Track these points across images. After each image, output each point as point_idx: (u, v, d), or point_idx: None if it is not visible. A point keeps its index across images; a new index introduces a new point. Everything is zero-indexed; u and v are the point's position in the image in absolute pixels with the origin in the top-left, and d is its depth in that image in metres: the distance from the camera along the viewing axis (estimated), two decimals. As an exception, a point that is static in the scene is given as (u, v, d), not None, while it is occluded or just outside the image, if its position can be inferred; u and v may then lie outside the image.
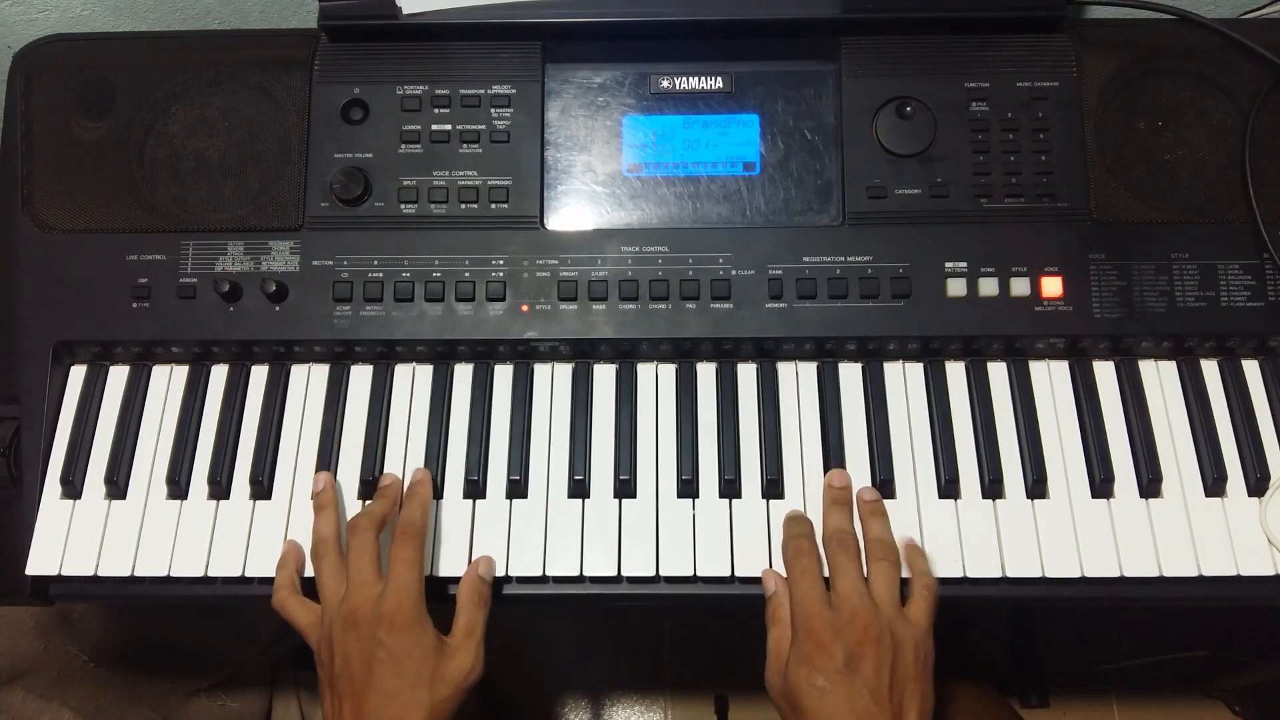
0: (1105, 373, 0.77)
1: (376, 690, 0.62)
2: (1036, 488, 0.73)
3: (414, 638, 0.64)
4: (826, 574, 0.68)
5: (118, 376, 0.78)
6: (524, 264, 0.76)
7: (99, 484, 0.75)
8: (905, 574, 0.69)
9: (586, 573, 0.72)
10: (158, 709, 1.11)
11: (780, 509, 0.73)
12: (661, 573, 0.72)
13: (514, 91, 0.79)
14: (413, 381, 0.78)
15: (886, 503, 0.73)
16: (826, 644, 0.63)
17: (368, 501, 0.75)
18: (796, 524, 0.70)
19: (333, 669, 0.65)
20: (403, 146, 0.78)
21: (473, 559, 0.72)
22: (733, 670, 1.35)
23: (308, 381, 0.78)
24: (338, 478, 0.75)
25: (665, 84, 0.79)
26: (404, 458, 0.76)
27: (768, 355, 0.77)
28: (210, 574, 0.73)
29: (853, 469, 0.74)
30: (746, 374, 0.77)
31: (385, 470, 0.75)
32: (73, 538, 0.74)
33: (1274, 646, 1.23)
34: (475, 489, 0.74)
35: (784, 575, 0.69)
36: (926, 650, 0.66)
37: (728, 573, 0.71)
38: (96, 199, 0.78)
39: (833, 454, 0.74)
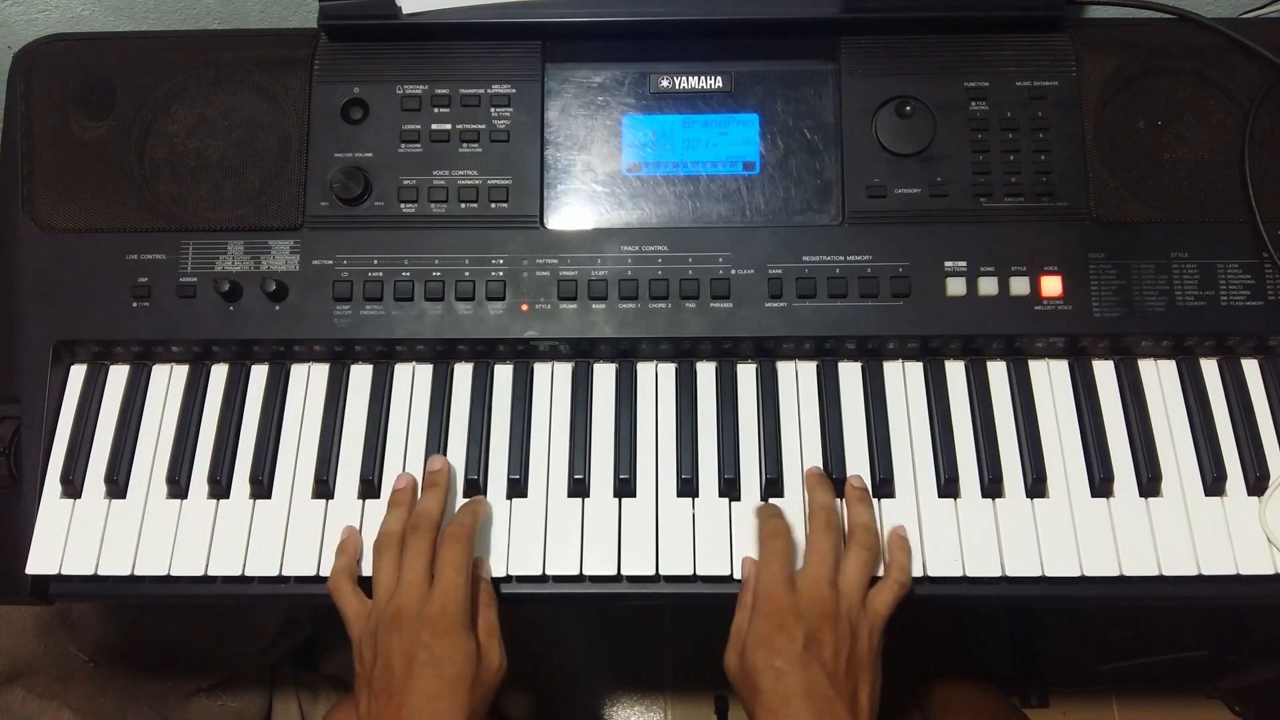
0: (1105, 372, 0.77)
1: (417, 691, 0.63)
2: (1036, 487, 0.73)
3: (457, 642, 0.64)
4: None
5: (118, 376, 0.78)
6: (524, 263, 0.76)
7: (99, 483, 0.75)
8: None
9: (586, 572, 0.72)
10: (158, 709, 1.11)
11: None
12: (661, 572, 0.72)
13: (514, 91, 0.79)
14: (413, 381, 0.78)
15: (886, 502, 0.73)
16: (788, 626, 0.63)
17: (368, 501, 0.75)
18: (774, 509, 0.71)
19: (373, 667, 0.65)
20: (403, 146, 0.78)
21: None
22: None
23: (308, 381, 0.78)
24: (337, 477, 0.75)
25: (665, 83, 0.79)
26: (404, 457, 0.76)
27: (767, 355, 0.77)
28: (210, 573, 0.72)
29: (853, 468, 0.74)
30: (746, 373, 0.77)
31: (387, 468, 0.75)
32: (73, 537, 0.74)
33: (1274, 646, 1.23)
34: (475, 488, 0.74)
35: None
36: (879, 638, 0.67)
37: (727, 572, 0.71)
38: (96, 199, 0.78)
39: (833, 453, 0.74)
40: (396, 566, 0.68)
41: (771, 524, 0.69)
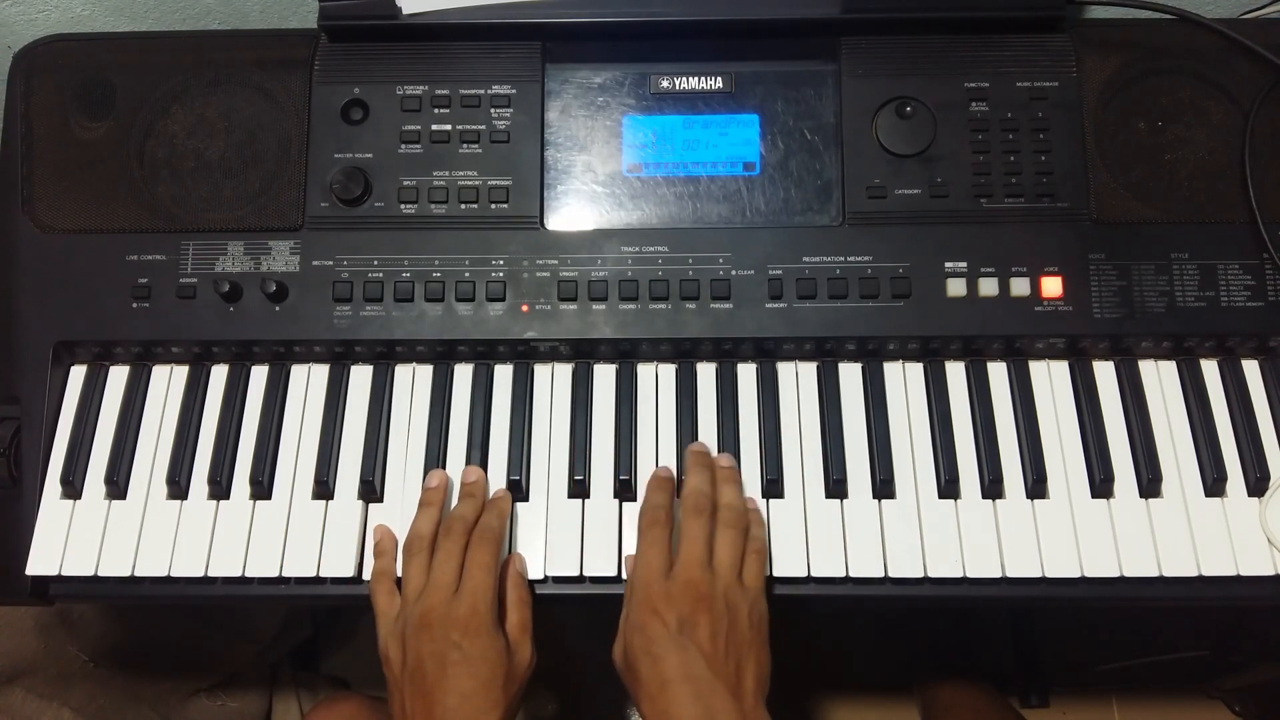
0: (1105, 373, 0.77)
1: (452, 691, 0.63)
2: (1036, 488, 0.73)
3: (488, 641, 0.65)
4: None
5: (118, 376, 0.78)
6: (524, 264, 0.76)
7: (99, 484, 0.75)
8: None
9: (587, 573, 0.72)
10: (158, 709, 1.11)
11: (780, 508, 0.73)
12: (661, 573, 0.71)
13: (514, 91, 0.79)
14: (413, 382, 0.78)
15: (885, 502, 0.73)
16: (660, 611, 0.63)
17: (368, 504, 0.75)
18: (657, 493, 0.70)
19: (403, 668, 0.66)
20: (403, 146, 0.78)
21: (510, 556, 0.72)
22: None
23: (308, 382, 0.78)
24: (338, 478, 0.75)
25: (665, 84, 0.79)
26: (404, 458, 0.76)
27: (768, 355, 0.77)
28: (210, 574, 0.72)
29: (853, 469, 0.74)
30: (746, 374, 0.77)
31: (388, 469, 0.75)
32: (73, 538, 0.74)
33: (1274, 646, 1.23)
34: (475, 489, 0.74)
35: None
36: (761, 614, 0.66)
37: (728, 573, 0.71)
38: (96, 199, 0.78)
39: (833, 454, 0.74)
40: (426, 568, 0.68)
41: (654, 511, 0.69)
